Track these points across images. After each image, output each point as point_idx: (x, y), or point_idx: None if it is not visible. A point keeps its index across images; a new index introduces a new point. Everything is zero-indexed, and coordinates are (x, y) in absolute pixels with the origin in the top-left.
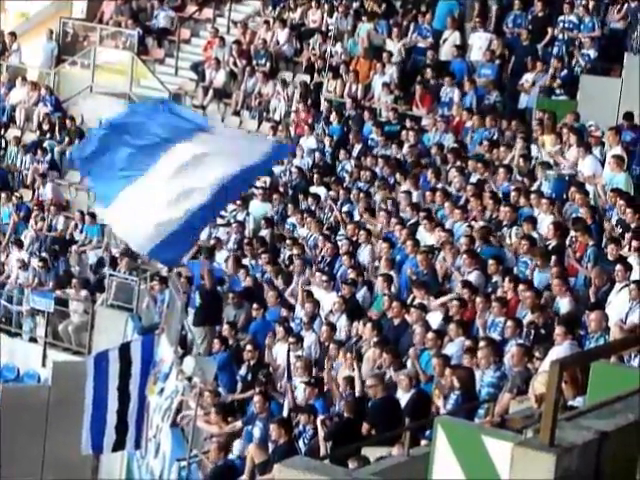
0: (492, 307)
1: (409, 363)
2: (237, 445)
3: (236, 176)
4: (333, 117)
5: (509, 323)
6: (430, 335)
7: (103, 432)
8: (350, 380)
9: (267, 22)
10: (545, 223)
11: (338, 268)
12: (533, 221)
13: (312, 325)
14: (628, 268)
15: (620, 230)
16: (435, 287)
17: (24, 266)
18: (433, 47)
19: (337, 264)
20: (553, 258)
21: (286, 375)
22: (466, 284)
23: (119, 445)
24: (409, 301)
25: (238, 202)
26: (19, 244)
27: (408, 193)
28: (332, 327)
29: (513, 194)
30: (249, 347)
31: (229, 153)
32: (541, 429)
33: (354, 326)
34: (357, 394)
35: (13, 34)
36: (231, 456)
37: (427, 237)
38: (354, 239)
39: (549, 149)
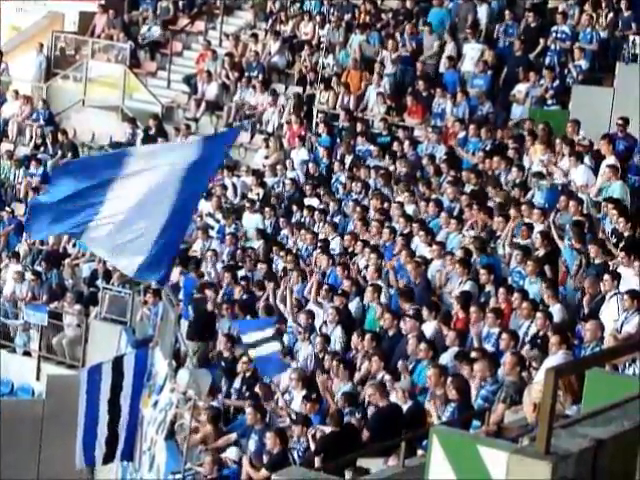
0: (487, 318)
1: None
2: (233, 451)
3: (185, 177)
4: (322, 129)
5: (504, 335)
6: (423, 346)
7: (94, 445)
8: (349, 396)
9: (258, 35)
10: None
11: (332, 279)
12: (529, 228)
13: (309, 337)
14: (615, 277)
15: (614, 239)
16: (427, 298)
17: (21, 279)
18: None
19: (331, 275)
20: (545, 267)
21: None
22: (460, 294)
23: (109, 457)
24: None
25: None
26: (16, 257)
27: (401, 204)
28: (326, 339)
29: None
30: (244, 359)
31: (165, 163)
32: (537, 437)
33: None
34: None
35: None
36: (226, 471)
37: (421, 248)
38: (349, 250)
39: (541, 159)
